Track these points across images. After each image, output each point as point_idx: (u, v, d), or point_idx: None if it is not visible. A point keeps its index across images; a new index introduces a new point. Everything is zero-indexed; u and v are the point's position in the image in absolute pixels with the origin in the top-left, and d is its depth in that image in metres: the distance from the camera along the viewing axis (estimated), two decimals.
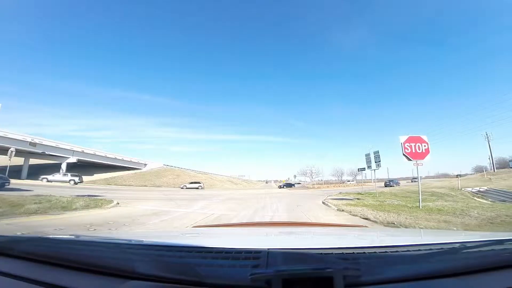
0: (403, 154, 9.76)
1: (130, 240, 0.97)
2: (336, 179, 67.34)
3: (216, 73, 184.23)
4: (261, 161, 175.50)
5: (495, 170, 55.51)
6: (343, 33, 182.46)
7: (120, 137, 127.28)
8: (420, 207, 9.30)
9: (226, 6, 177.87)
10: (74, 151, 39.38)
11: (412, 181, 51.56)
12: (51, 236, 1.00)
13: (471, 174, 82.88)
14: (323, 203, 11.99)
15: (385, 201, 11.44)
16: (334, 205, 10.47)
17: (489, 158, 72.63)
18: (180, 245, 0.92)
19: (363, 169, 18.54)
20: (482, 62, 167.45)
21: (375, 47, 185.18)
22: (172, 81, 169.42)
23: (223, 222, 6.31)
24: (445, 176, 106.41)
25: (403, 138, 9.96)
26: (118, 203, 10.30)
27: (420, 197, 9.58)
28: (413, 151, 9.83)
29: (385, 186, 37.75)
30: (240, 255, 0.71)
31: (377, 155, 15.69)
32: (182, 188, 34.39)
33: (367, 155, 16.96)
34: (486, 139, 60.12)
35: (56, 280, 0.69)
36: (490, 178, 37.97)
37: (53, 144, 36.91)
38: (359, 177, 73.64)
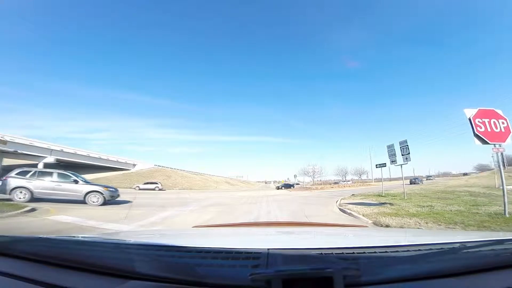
0: (475, 135, 6.20)
1: (130, 240, 0.97)
2: (340, 178, 63.45)
3: (215, 73, 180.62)
4: (260, 161, 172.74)
5: (506, 167, 53.51)
6: (343, 33, 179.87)
7: (120, 139, 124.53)
8: (506, 215, 5.76)
9: (224, 6, 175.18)
10: (52, 150, 35.56)
11: (427, 179, 48.53)
12: (51, 236, 0.97)
13: (475, 172, 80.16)
14: (342, 210, 8.40)
15: (434, 206, 7.82)
16: (362, 214, 6.88)
17: (492, 156, 69.55)
18: (180, 245, 0.87)
19: (383, 165, 14.81)
20: (479, 62, 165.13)
21: (375, 46, 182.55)
22: (171, 82, 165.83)
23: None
24: (447, 175, 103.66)
25: (470, 112, 6.42)
26: (33, 209, 6.98)
27: (506, 200, 5.98)
28: (489, 129, 6.30)
29: (410, 184, 37.81)
30: (240, 255, 0.71)
31: (404, 146, 12.03)
32: (134, 189, 30.20)
33: (390, 147, 13.35)
34: None
35: (56, 280, 0.67)
36: (510, 175, 35.15)
37: (27, 142, 33.08)
38: (364, 177, 70.31)
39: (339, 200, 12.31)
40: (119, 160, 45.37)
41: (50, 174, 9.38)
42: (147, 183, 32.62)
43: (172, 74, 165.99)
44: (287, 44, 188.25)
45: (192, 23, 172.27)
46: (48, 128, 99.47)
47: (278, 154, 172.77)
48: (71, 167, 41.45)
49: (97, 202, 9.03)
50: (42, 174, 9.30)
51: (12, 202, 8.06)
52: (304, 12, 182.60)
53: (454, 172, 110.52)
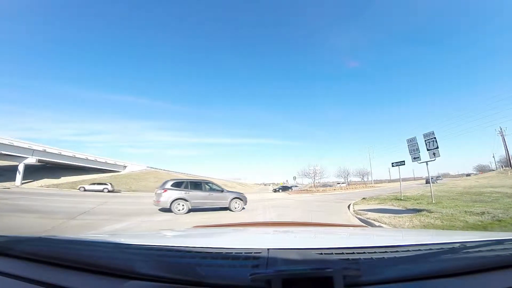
0: None
1: (130, 241, 0.96)
2: (342, 180, 61.04)
3: (213, 75, 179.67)
4: (259, 164, 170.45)
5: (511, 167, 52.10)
6: (343, 34, 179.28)
7: (117, 141, 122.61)
8: None
9: (224, 7, 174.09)
10: (34, 150, 33.14)
11: (436, 180, 46.64)
12: (51, 236, 0.96)
13: (475, 173, 78.52)
14: (364, 222, 6.17)
15: (491, 213, 5.57)
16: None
17: (493, 157, 68.44)
18: (180, 245, 0.87)
19: (401, 163, 12.54)
20: (479, 62, 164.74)
21: (374, 47, 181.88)
22: (170, 84, 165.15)
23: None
24: (446, 176, 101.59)
25: None
26: None
27: None
28: None
29: (426, 183, 35.64)
30: (240, 255, 0.71)
31: (431, 139, 9.82)
32: (80, 190, 27.29)
33: (411, 141, 11.16)
34: (500, 134, 55.07)
35: (56, 280, 0.67)
36: None
37: (6, 142, 30.63)
38: (365, 178, 67.95)
39: (351, 206, 10.10)
40: (108, 162, 42.93)
41: (200, 184, 9.59)
42: (95, 183, 29.26)
43: (171, 76, 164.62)
44: (286, 45, 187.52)
45: (190, 25, 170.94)
46: (46, 131, 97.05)
47: (277, 156, 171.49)
48: (55, 169, 38.97)
49: (238, 208, 9.39)
50: (192, 184, 9.33)
51: None
52: (303, 14, 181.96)
53: (452, 173, 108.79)
